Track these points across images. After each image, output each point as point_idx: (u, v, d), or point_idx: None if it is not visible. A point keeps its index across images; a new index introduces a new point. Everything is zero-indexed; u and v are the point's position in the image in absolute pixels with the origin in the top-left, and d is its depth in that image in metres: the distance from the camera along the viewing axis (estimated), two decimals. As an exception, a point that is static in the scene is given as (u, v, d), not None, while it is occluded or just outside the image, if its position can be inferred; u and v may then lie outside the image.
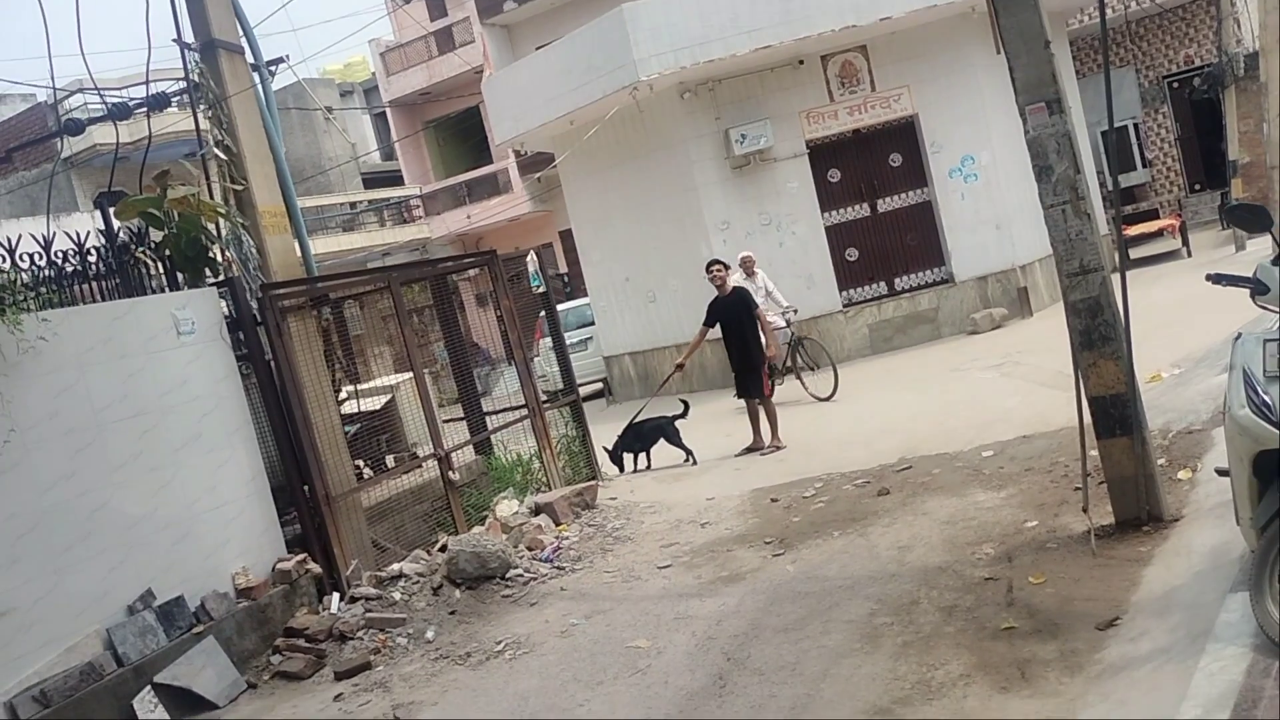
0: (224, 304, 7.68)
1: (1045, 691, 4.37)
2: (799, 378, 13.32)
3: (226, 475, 7.27)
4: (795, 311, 13.56)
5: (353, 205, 31.16)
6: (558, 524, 8.79)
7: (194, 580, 6.84)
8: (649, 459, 11.15)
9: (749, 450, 10.99)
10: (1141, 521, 5.88)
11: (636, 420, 11.23)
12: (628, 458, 11.14)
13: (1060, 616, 5.06)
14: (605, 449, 11.11)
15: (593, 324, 19.86)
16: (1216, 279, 4.64)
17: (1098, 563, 5.60)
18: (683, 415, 11.16)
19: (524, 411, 10.23)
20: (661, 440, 11.09)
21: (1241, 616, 4.19)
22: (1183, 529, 5.73)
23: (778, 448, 10.80)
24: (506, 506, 8.91)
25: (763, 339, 11.15)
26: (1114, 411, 5.90)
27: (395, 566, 7.78)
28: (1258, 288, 4.27)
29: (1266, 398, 3.98)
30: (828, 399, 12.66)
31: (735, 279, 11.94)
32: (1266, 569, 3.96)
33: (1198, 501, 6.05)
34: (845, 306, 16.16)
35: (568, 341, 12.60)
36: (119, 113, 9.90)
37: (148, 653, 6.34)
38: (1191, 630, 4.36)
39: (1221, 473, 4.61)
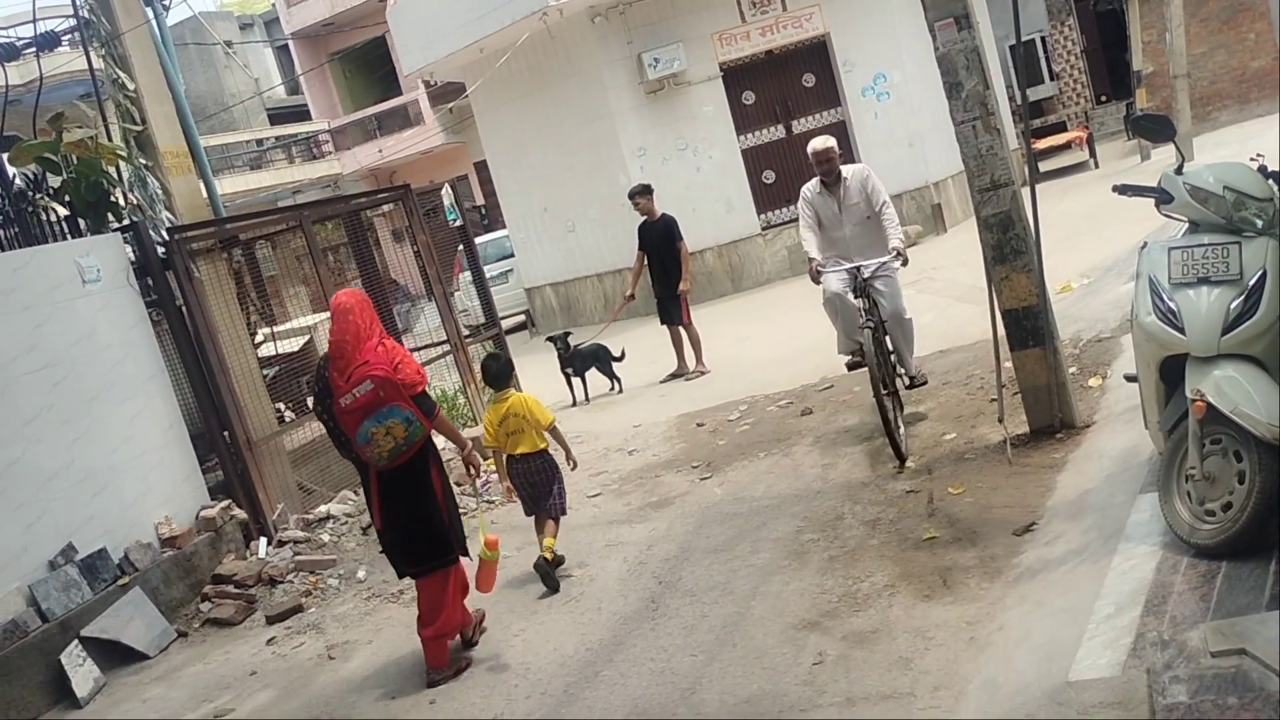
0: (130, 249, 7.46)
1: (966, 597, 4.51)
2: None
3: (143, 424, 7.12)
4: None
5: (259, 142, 30.35)
6: (485, 458, 8.78)
7: (116, 532, 6.73)
8: (585, 386, 11.12)
9: (674, 376, 11.06)
10: (1055, 429, 6.05)
11: (580, 345, 11.16)
12: (576, 382, 11.09)
13: (979, 524, 5.21)
14: (566, 373, 11.08)
15: (512, 256, 19.71)
16: (1123, 190, 4.72)
17: (1014, 471, 5.76)
18: (619, 359, 11.13)
19: (446, 347, 10.15)
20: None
21: (1151, 516, 4.34)
22: (1094, 434, 5.90)
23: (702, 372, 10.87)
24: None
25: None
26: (1026, 323, 6.02)
27: (323, 508, 7.73)
28: (1162, 197, 4.35)
29: (1172, 304, 4.09)
30: None
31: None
32: (1173, 470, 4.10)
33: (1108, 407, 6.23)
34: (764, 229, 16.22)
35: (488, 274, 12.49)
36: (6, 53, 9.49)
37: (73, 607, 6.25)
38: (1104, 531, 4.52)
39: (1130, 379, 4.74)
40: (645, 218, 11.11)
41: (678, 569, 5.74)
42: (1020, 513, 5.19)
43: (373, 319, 5.08)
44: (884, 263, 6.96)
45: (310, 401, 6.22)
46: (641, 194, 11.10)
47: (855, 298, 6.88)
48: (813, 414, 8.13)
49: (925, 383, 7.40)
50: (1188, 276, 4.08)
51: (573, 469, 6.37)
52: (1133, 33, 17.73)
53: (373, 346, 4.98)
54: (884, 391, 6.41)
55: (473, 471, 5.50)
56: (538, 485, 6.13)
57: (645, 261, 11.17)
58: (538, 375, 11.45)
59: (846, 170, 7.26)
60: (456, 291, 14.35)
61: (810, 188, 7.34)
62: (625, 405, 10.53)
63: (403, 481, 5.13)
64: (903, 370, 7.24)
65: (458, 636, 5.37)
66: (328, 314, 8.66)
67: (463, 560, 5.34)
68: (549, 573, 5.90)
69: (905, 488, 6.00)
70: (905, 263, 6.98)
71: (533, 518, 6.23)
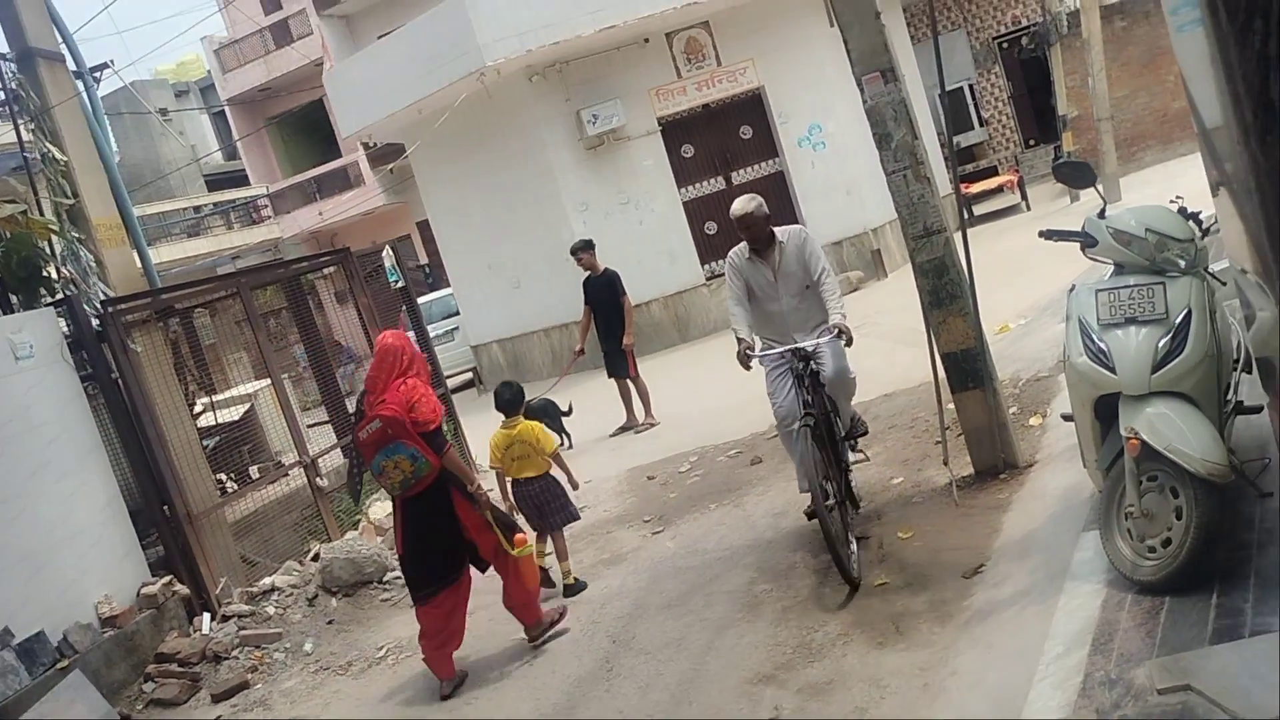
0: (63, 323, 7.34)
1: (919, 643, 4.51)
2: None
3: (80, 502, 6.96)
4: None
5: (197, 209, 30.11)
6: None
7: (55, 613, 6.54)
8: None
9: (623, 429, 11.04)
10: (999, 469, 6.12)
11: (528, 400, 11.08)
12: None
13: (929, 568, 5.23)
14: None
15: (457, 314, 19.64)
16: (1049, 235, 4.82)
17: (961, 513, 5.80)
18: (567, 414, 11.09)
19: (391, 410, 10.05)
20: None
21: (1095, 554, 4.39)
22: (1037, 474, 5.97)
23: (651, 424, 10.87)
24: (380, 508, 8.75)
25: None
26: (965, 366, 6.10)
27: (267, 580, 7.58)
28: (1087, 240, 4.45)
29: (1102, 345, 4.16)
30: None
31: None
32: (1113, 508, 4.15)
33: (1049, 446, 6.32)
34: (708, 279, 16.32)
35: (433, 333, 12.43)
36: (-68, 128, 9.35)
37: (10, 694, 6.04)
38: (1050, 571, 4.55)
39: (1067, 418, 4.81)
40: (589, 273, 11.14)
41: (632, 626, 5.69)
42: (968, 555, 5.22)
43: (411, 359, 5.60)
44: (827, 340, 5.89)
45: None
46: (583, 250, 11.14)
47: (800, 387, 5.78)
48: (763, 463, 8.14)
49: (865, 432, 6.47)
50: (1115, 317, 4.16)
51: (575, 490, 6.89)
52: (1056, 79, 18.24)
53: (396, 385, 5.46)
54: (827, 506, 5.29)
55: (574, 486, 6.59)
56: (543, 505, 6.70)
57: (592, 316, 11.20)
58: (486, 432, 11.37)
59: (781, 233, 6.11)
60: (401, 352, 14.28)
61: (738, 253, 6.18)
62: (576, 460, 10.40)
63: (422, 510, 5.58)
64: (840, 424, 6.10)
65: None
66: (268, 381, 8.57)
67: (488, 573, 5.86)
68: (582, 587, 6.51)
69: (856, 534, 6.01)
70: (849, 342, 5.89)
71: (534, 536, 6.53)
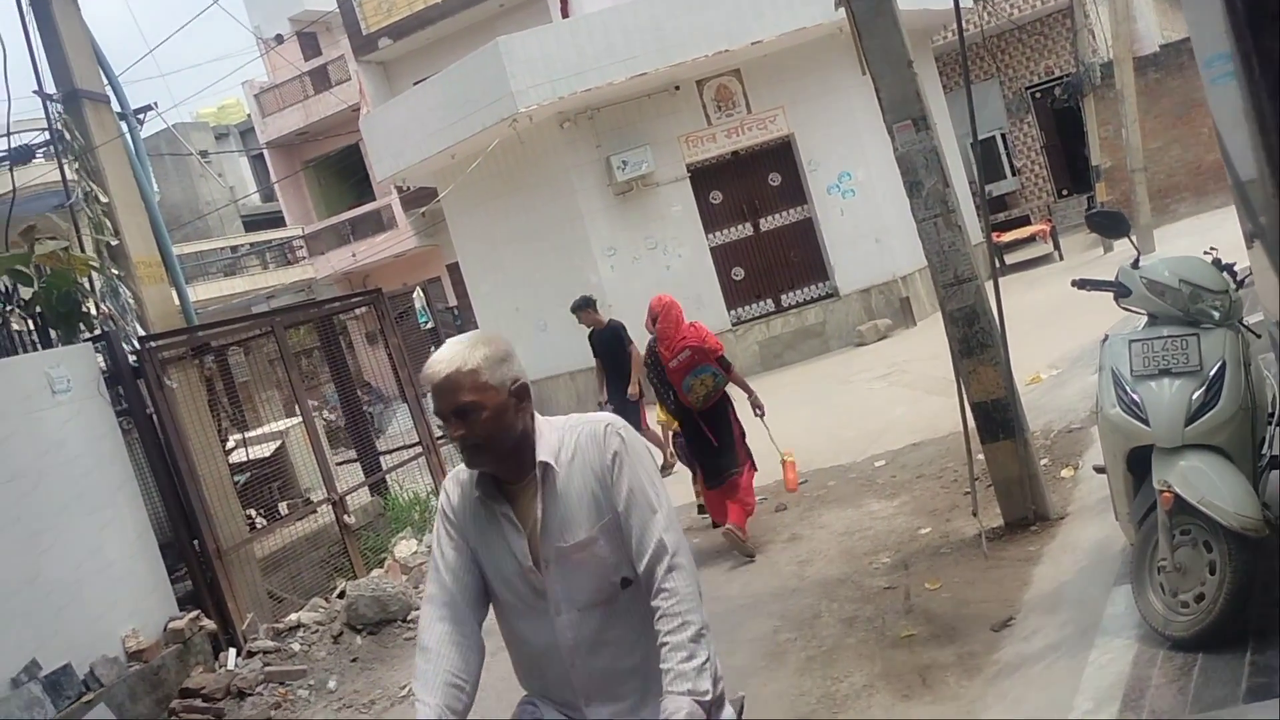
0: (101, 359, 7.44)
1: (946, 696, 4.46)
2: None
3: (111, 535, 7.02)
4: None
5: (234, 249, 30.49)
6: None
7: (82, 646, 6.57)
8: None
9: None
10: (1029, 521, 6.06)
11: None
12: None
13: (957, 620, 5.18)
14: None
15: (485, 356, 19.69)
16: (1082, 284, 4.81)
17: (990, 564, 5.74)
18: None
19: (418, 449, 10.11)
20: None
21: (1126, 609, 4.33)
22: (1068, 526, 5.91)
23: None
24: (405, 547, 8.78)
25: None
26: (996, 416, 6.07)
27: (293, 617, 7.60)
28: (1120, 291, 4.44)
29: (1135, 396, 4.13)
30: None
31: None
32: (1145, 562, 4.10)
33: (1081, 498, 6.25)
34: (734, 325, 16.35)
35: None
36: (-21, 167, 9.56)
37: (35, 727, 6.07)
38: (1080, 625, 4.50)
39: (1099, 470, 4.76)
40: (591, 328, 10.95)
41: (655, 672, 5.64)
42: (997, 607, 5.16)
43: (681, 312, 7.63)
44: None
45: (645, 371, 8.22)
46: (583, 308, 10.96)
47: None
48: (787, 509, 8.10)
49: None
50: (1149, 368, 4.14)
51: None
52: (1090, 129, 18.23)
53: (686, 327, 7.47)
54: None
55: (758, 411, 7.64)
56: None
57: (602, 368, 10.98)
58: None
59: (558, 432, 2.65)
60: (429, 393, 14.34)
61: (454, 483, 2.72)
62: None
63: (714, 417, 7.43)
64: None
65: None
66: (299, 419, 8.64)
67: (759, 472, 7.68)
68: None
69: (882, 584, 5.97)
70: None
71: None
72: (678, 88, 16.10)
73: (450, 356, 2.46)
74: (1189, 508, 3.87)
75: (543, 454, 2.51)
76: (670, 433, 8.46)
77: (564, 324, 16.88)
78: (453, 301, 28.42)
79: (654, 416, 10.73)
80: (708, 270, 16.36)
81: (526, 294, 17.69)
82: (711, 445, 7.43)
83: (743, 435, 7.60)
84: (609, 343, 10.88)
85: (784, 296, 16.77)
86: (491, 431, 2.46)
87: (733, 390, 7.70)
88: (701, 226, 16.40)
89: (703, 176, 16.45)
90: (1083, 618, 4.55)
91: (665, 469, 10.75)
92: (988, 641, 4.84)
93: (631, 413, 10.69)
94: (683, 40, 15.29)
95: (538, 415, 2.57)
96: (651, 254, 16.24)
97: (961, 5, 6.30)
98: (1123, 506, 4.37)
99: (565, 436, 2.55)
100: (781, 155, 16.66)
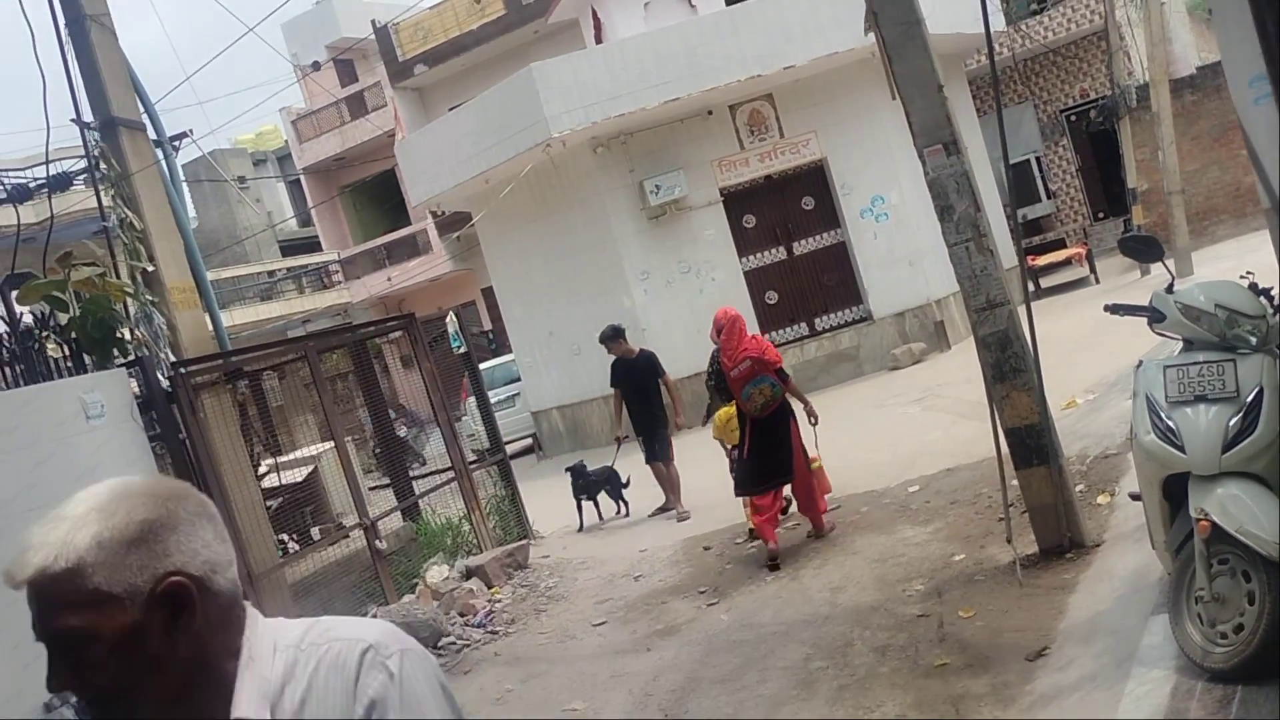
0: (134, 384, 7.50)
1: (979, 727, 4.39)
2: None
3: (144, 560, 7.04)
4: None
5: (270, 274, 30.78)
6: (490, 586, 8.68)
7: (113, 671, 6.59)
8: (598, 507, 11.02)
9: (662, 510, 10.58)
10: (1064, 549, 5.97)
11: (588, 469, 11.04)
12: (587, 506, 10.94)
13: (991, 649, 5.10)
14: (578, 499, 10.93)
15: (519, 380, 19.77)
16: (1115, 309, 4.74)
17: (1024, 592, 5.66)
18: (625, 485, 11.02)
19: (451, 474, 10.12)
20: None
21: (1164, 639, 4.24)
22: (1104, 554, 5.82)
23: (684, 516, 10.19)
24: (437, 572, 8.78)
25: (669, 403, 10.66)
26: (1030, 442, 5.99)
27: (324, 642, 7.59)
28: (1154, 316, 4.37)
29: (1170, 423, 4.07)
30: None
31: None
32: (1183, 591, 4.02)
33: (1117, 525, 6.15)
34: (768, 350, 16.25)
35: (494, 399, 12.50)
36: (19, 194, 9.71)
37: (66, 752, 6.09)
38: (1117, 655, 4.41)
39: (1135, 497, 4.69)
40: (617, 356, 10.79)
41: (684, 701, 5.60)
42: (1032, 637, 5.08)
43: (744, 324, 8.12)
44: None
45: (705, 378, 9.23)
46: (613, 338, 10.78)
47: None
48: (821, 536, 8.03)
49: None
50: (1184, 395, 4.07)
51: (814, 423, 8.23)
52: (1125, 151, 18.06)
53: (748, 339, 8.01)
54: None
55: (813, 420, 8.17)
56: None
57: (623, 399, 10.80)
58: (546, 500, 11.39)
59: None
60: (464, 416, 14.39)
61: None
62: (631, 529, 10.43)
63: (771, 426, 7.86)
64: None
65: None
66: (332, 443, 8.68)
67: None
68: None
69: (915, 612, 5.89)
70: None
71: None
72: (710, 112, 16.12)
73: (39, 542, 1.43)
74: (1227, 537, 3.79)
75: (243, 708, 1.43)
76: (730, 447, 8.69)
77: (598, 348, 16.86)
78: (487, 325, 28.55)
79: (710, 431, 10.58)
80: (741, 294, 16.30)
81: (560, 318, 17.72)
82: (769, 449, 7.87)
83: (803, 450, 8.02)
84: (641, 373, 10.65)
85: (818, 320, 16.70)
86: (121, 677, 1.39)
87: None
88: (735, 250, 16.38)
89: (736, 200, 16.44)
90: (1119, 648, 4.47)
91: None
92: (1022, 671, 4.76)
93: (661, 444, 10.50)
94: (715, 66, 15.32)
95: (258, 619, 1.53)
96: (685, 278, 16.23)
97: (993, 29, 6.26)
98: (1159, 535, 4.30)
99: (296, 664, 1.48)
100: (814, 179, 16.62)
